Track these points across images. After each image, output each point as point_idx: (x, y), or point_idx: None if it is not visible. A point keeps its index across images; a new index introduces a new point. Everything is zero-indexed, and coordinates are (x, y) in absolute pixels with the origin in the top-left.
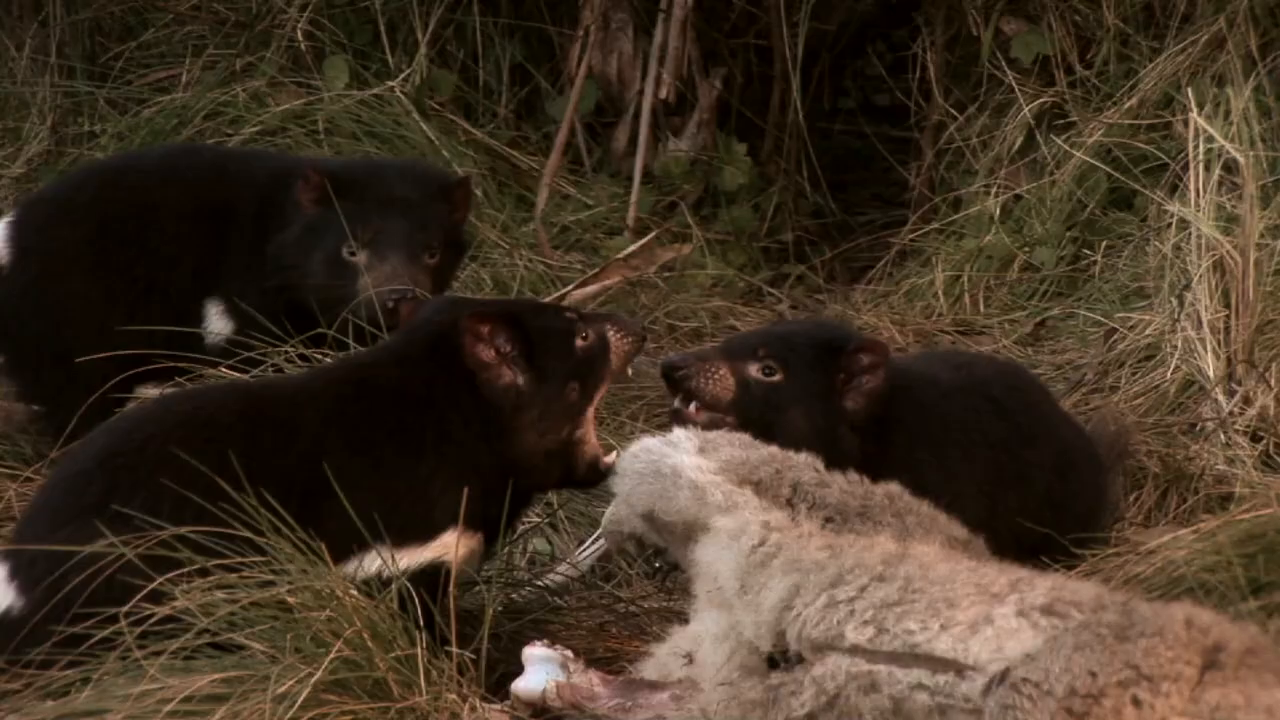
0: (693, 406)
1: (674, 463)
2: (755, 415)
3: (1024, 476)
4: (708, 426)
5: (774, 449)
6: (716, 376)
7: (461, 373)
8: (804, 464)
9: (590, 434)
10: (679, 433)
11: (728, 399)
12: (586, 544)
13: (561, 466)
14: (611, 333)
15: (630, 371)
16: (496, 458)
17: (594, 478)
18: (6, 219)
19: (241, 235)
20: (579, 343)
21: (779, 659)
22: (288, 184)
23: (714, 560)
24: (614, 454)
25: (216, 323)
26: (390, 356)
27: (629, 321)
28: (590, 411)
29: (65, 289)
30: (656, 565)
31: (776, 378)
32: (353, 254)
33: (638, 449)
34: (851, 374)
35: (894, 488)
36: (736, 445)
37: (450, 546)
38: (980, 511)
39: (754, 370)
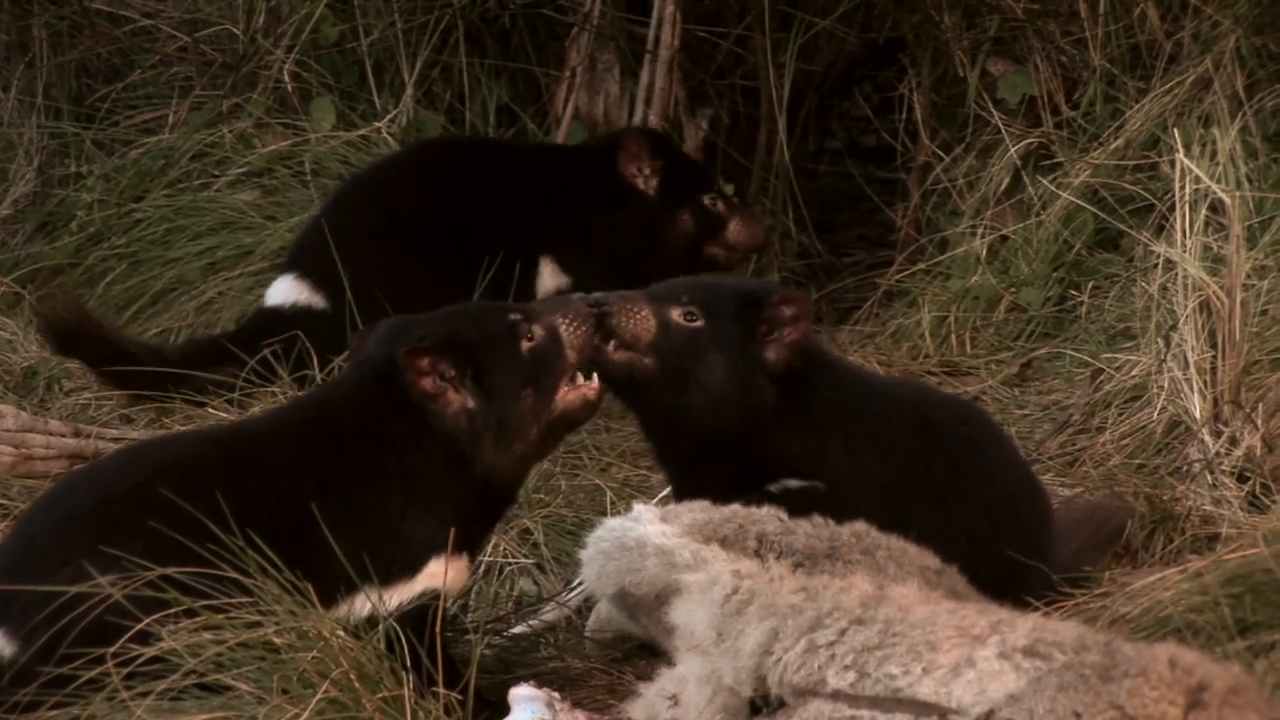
0: (611, 345)
1: (638, 534)
2: (674, 358)
3: (941, 500)
4: (626, 367)
5: (735, 507)
6: (638, 316)
7: (411, 407)
8: (767, 516)
9: (566, 398)
10: (639, 508)
11: (647, 339)
12: (573, 584)
13: (553, 441)
14: (562, 325)
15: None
16: (468, 483)
17: (590, 413)
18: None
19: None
20: (525, 345)
21: (760, 704)
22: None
23: (689, 618)
24: (594, 376)
25: (549, 278)
26: (342, 394)
27: (578, 306)
28: (557, 396)
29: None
30: None
31: (698, 323)
32: (714, 203)
33: (601, 531)
34: (773, 325)
35: (860, 526)
36: (698, 510)
37: (436, 575)
38: (879, 511)
39: (676, 314)
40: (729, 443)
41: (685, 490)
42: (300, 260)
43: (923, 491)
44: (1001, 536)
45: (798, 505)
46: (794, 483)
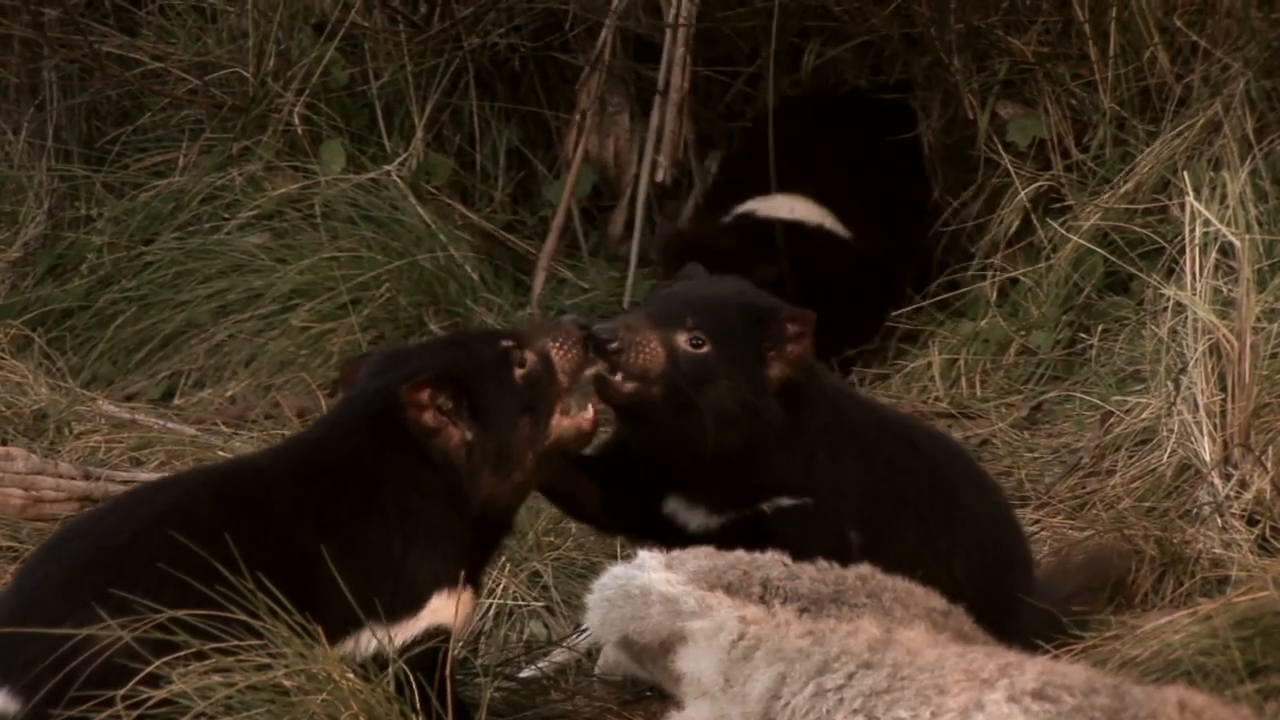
0: (618, 375)
1: (642, 582)
2: (683, 387)
3: (924, 521)
4: (634, 398)
5: (739, 553)
6: (647, 349)
7: (408, 441)
8: (771, 561)
9: (560, 426)
10: (644, 554)
11: (656, 371)
12: (582, 627)
13: (548, 468)
14: (553, 349)
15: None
16: (467, 514)
17: (585, 443)
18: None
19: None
20: (519, 373)
21: None
22: None
23: (695, 665)
24: (590, 407)
25: None
26: (337, 432)
27: (567, 328)
28: (552, 422)
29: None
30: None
31: (705, 350)
32: None
33: (605, 578)
34: (777, 342)
35: (864, 569)
36: (702, 557)
37: (440, 611)
38: (863, 520)
39: (683, 340)
40: (729, 459)
41: (687, 498)
42: (819, 187)
43: (905, 507)
44: (979, 575)
45: (790, 522)
46: (786, 501)
